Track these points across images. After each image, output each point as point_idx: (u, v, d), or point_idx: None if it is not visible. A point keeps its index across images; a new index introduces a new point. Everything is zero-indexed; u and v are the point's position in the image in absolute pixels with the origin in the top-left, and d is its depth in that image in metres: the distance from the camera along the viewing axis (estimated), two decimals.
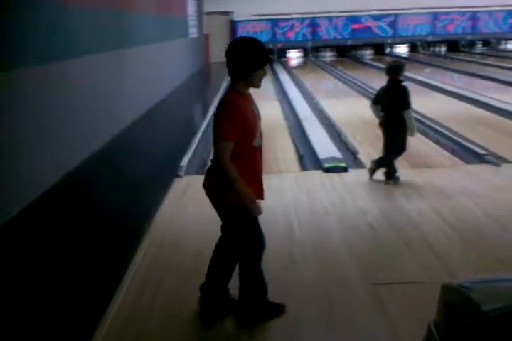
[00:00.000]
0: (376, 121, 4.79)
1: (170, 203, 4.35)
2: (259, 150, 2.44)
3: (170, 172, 5.17)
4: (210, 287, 2.65)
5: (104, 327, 2.62)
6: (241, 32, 19.77)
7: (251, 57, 2.30)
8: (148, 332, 2.59)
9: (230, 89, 2.39)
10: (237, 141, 2.31)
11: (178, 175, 5.07)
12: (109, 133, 6.59)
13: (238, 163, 2.32)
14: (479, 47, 20.99)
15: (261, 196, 2.49)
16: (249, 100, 2.42)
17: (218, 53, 19.43)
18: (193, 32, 15.58)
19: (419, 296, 2.77)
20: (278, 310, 2.64)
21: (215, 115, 2.36)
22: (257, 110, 2.46)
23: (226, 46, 2.38)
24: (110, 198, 4.59)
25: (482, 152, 5.50)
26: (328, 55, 20.45)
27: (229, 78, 2.41)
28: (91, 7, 6.17)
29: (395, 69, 4.61)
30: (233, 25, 19.77)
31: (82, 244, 3.62)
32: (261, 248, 2.53)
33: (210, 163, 2.51)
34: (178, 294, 2.90)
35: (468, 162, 5.32)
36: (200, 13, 17.11)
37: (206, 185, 2.50)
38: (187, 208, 4.22)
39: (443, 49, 20.93)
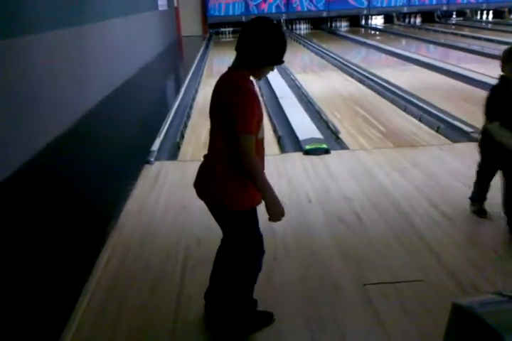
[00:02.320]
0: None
1: (139, 194, 4.01)
2: (261, 143, 2.14)
3: (139, 158, 4.81)
4: (225, 300, 2.32)
5: (68, 336, 2.34)
6: (212, 4, 19.12)
7: (274, 51, 2.02)
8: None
9: (239, 72, 2.05)
10: None
11: (148, 162, 4.72)
12: (71, 117, 6.16)
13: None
14: (454, 18, 20.75)
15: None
16: (255, 86, 2.12)
17: (189, 26, 18.80)
18: (162, 4, 14.93)
19: (415, 297, 2.53)
20: (266, 319, 2.38)
21: (231, 103, 1.98)
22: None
23: (249, 24, 2.04)
24: (71, 189, 4.21)
25: (468, 129, 5.27)
26: (303, 28, 19.99)
27: (235, 58, 2.08)
28: None
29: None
30: None
31: (37, 241, 3.28)
32: (261, 257, 2.27)
33: (203, 159, 2.18)
34: (146, 302, 2.61)
35: (454, 140, 5.08)
36: None
37: (201, 189, 2.18)
38: (158, 199, 3.89)
39: (418, 20, 20.64)
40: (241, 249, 2.22)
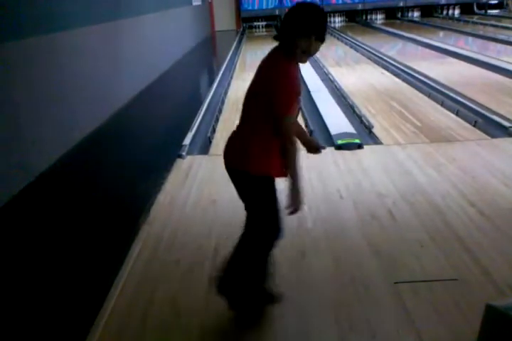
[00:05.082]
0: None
1: (171, 188, 4.03)
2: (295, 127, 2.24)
3: (171, 152, 4.84)
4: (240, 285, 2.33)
5: (98, 330, 2.37)
6: None
7: (298, 18, 2.08)
8: (146, 334, 2.33)
9: (281, 54, 2.11)
10: None
11: (180, 156, 4.73)
12: (105, 112, 6.24)
13: (274, 138, 2.12)
14: (495, 10, 20.11)
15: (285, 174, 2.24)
16: (296, 74, 2.15)
17: (223, 21, 18.81)
18: None
19: (448, 296, 2.46)
20: (272, 299, 2.37)
21: (272, 84, 2.06)
22: (300, 88, 2.18)
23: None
24: (103, 184, 4.27)
25: (507, 124, 5.10)
26: (338, 21, 19.75)
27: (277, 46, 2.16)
28: None
29: None
30: None
31: (71, 234, 3.34)
32: (279, 233, 2.27)
33: (236, 130, 2.28)
34: (176, 294, 2.62)
35: (492, 135, 4.92)
36: None
37: (232, 156, 2.25)
38: (189, 193, 3.90)
39: (457, 12, 20.11)
40: (262, 221, 2.23)
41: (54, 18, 4.99)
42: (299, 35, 2.05)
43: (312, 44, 2.07)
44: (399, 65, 9.05)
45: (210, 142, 5.19)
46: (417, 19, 19.27)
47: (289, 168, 2.14)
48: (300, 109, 2.26)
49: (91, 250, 3.13)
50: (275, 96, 2.05)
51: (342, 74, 8.62)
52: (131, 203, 3.85)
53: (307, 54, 2.10)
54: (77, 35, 5.47)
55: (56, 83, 4.91)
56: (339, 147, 4.74)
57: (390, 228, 3.17)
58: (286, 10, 2.16)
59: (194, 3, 14.70)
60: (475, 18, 17.69)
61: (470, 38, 13.22)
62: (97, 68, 6.04)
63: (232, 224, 3.26)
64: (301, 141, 2.34)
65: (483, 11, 19.60)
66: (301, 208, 2.17)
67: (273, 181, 2.22)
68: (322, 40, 2.09)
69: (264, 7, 19.21)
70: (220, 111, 6.48)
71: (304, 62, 2.15)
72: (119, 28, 7.15)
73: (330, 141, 4.98)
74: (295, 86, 2.09)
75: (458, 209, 3.37)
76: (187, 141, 5.14)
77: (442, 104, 6.17)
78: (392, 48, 12.56)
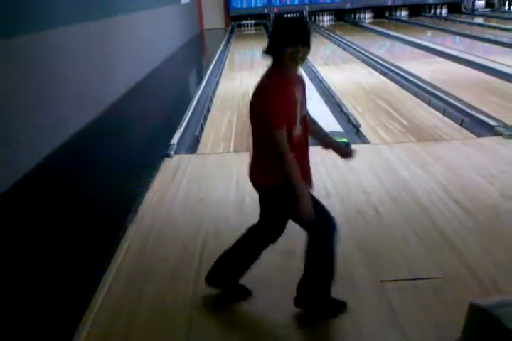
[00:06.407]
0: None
1: (158, 187, 4.03)
2: (301, 139, 2.22)
3: (159, 151, 4.83)
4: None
5: (86, 328, 2.37)
6: None
7: (282, 31, 2.11)
8: (133, 332, 2.34)
9: (271, 70, 2.16)
10: None
11: (168, 155, 4.73)
12: (93, 111, 6.21)
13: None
14: (481, 8, 20.28)
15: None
16: (292, 83, 2.19)
17: (211, 19, 18.78)
18: None
19: (434, 295, 2.49)
20: (339, 307, 2.39)
21: (259, 103, 2.12)
22: (301, 95, 2.23)
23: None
24: (91, 183, 4.25)
25: (493, 123, 5.16)
26: (326, 20, 19.80)
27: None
28: None
29: None
30: None
31: (58, 233, 3.32)
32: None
33: (253, 153, 2.30)
34: (164, 293, 2.62)
35: (478, 134, 4.97)
36: None
37: (260, 177, 2.29)
38: (176, 192, 3.90)
39: (444, 11, 20.26)
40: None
41: (43, 16, 4.95)
42: (286, 46, 2.08)
43: (299, 51, 2.10)
44: (386, 64, 9.11)
45: (198, 141, 5.19)
46: (404, 18, 19.38)
47: (287, 178, 2.14)
48: (305, 118, 2.26)
49: (79, 248, 3.12)
50: (264, 109, 2.09)
51: (330, 74, 8.65)
52: (119, 202, 3.83)
53: (296, 61, 2.12)
54: (65, 33, 5.44)
55: (44, 81, 4.87)
56: None
57: (375, 225, 3.20)
58: (273, 21, 2.21)
59: (182, 2, 14.66)
60: (462, 18, 17.83)
61: (457, 38, 13.33)
62: (85, 66, 6.00)
63: (220, 222, 3.29)
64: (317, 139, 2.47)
65: (470, 10, 19.75)
66: (310, 216, 2.18)
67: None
68: (309, 46, 2.13)
69: (252, 6, 19.21)
70: (208, 110, 6.48)
71: (296, 67, 2.18)
72: (106, 27, 7.12)
73: None
74: (284, 97, 2.10)
75: (442, 206, 3.40)
76: (175, 139, 5.14)
77: (429, 103, 6.22)
78: (381, 47, 12.63)
